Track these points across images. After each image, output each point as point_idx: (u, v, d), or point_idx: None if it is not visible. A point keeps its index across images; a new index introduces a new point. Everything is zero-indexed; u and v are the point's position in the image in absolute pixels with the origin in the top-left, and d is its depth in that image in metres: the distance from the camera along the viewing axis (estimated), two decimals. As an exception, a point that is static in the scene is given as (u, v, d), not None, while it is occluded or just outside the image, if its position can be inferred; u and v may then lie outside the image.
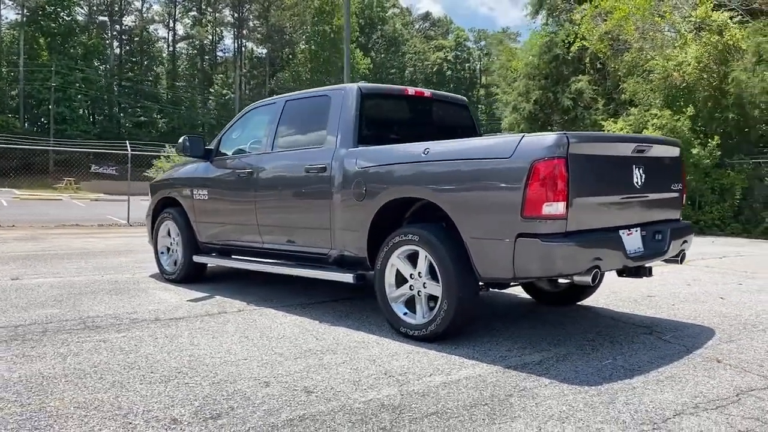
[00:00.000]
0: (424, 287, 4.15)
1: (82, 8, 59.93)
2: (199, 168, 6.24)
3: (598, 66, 20.95)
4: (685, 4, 16.08)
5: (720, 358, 3.83)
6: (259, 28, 68.09)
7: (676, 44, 15.68)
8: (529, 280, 4.89)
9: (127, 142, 17.02)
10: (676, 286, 6.46)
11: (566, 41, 20.78)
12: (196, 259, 6.22)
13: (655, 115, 14.83)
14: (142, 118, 58.60)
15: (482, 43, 78.30)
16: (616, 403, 3.03)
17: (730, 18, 14.74)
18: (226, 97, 62.21)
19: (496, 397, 3.12)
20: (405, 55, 73.57)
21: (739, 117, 14.21)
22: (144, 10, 65.78)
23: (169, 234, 6.61)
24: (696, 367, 3.64)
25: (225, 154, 6.07)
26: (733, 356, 3.88)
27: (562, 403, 3.03)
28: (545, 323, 4.74)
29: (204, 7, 66.89)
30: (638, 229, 4.16)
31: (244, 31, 67.98)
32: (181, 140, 6.00)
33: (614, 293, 5.93)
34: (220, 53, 70.44)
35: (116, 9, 63.75)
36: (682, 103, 14.91)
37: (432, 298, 4.14)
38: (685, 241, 4.57)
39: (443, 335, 4.04)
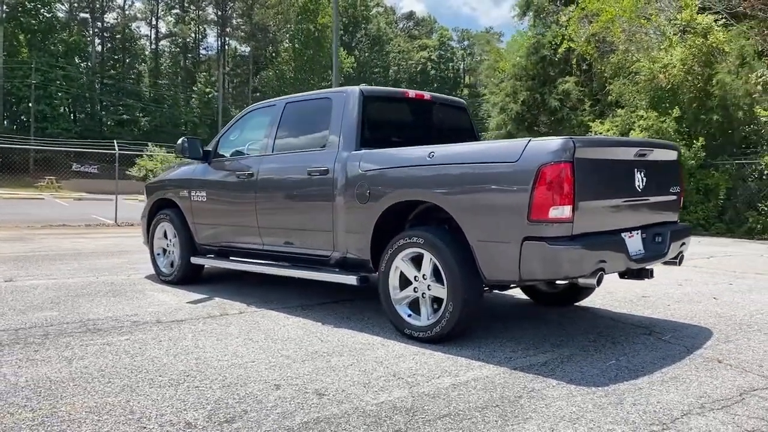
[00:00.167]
0: (429, 289, 4.18)
1: (63, 5, 59.23)
2: (197, 169, 6.21)
3: (585, 67, 21.20)
4: (671, 7, 16.32)
5: (720, 359, 3.90)
6: (242, 26, 67.74)
7: (661, 46, 15.89)
8: (534, 283, 4.94)
9: (114, 142, 16.87)
10: (668, 287, 6.55)
11: (553, 42, 20.97)
12: (194, 260, 6.19)
13: (642, 116, 15.04)
14: (124, 117, 58.07)
15: (465, 42, 78.71)
16: (624, 404, 3.08)
17: (715, 21, 14.98)
18: (209, 96, 61.79)
19: (506, 398, 3.15)
20: (389, 55, 73.58)
21: (723, 119, 14.43)
22: (126, 7, 65.22)
23: (165, 235, 6.57)
24: (698, 367, 3.71)
25: (223, 156, 6.05)
26: (733, 356, 3.96)
27: (571, 404, 3.08)
28: (546, 324, 4.80)
29: (187, 4, 66.42)
30: (639, 231, 4.23)
31: (228, 29, 67.62)
32: (179, 142, 5.97)
33: (610, 293, 6.01)
34: (203, 51, 70.21)
35: (98, 6, 63.08)
36: (667, 105, 15.13)
37: (436, 300, 4.17)
38: (684, 243, 4.65)
39: (448, 336, 4.07)
